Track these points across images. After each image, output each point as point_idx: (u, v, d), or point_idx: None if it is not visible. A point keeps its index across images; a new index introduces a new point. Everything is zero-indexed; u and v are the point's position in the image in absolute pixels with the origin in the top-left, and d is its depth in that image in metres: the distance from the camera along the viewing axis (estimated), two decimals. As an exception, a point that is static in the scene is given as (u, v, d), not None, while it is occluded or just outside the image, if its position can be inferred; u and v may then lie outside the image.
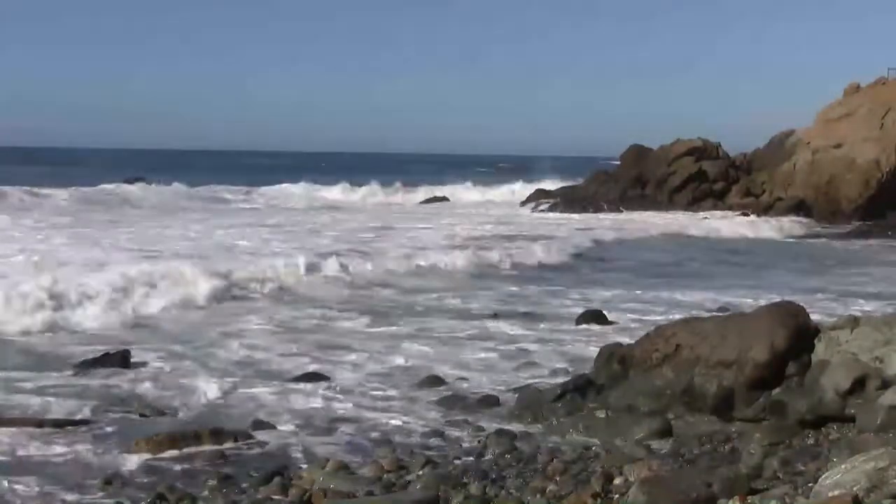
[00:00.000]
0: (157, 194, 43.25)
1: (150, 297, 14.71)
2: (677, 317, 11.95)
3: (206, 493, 7.14)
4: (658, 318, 13.43)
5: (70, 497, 7.01)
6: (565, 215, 36.67)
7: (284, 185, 50.36)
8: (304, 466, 7.75)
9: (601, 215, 36.34)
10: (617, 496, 6.61)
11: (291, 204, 42.85)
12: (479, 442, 8.42)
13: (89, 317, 13.49)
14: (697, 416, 9.02)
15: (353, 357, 11.76)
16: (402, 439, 8.50)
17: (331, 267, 18.43)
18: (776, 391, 8.95)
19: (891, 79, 39.31)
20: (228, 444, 8.24)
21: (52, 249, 20.81)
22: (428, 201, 45.06)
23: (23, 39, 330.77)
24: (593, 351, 10.71)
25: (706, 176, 40.52)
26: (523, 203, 41.39)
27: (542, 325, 14.02)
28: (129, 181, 46.38)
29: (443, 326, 13.85)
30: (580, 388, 9.91)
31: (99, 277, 15.09)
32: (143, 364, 11.06)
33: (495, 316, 14.69)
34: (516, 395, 9.95)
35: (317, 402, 9.63)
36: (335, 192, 48.78)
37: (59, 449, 8.06)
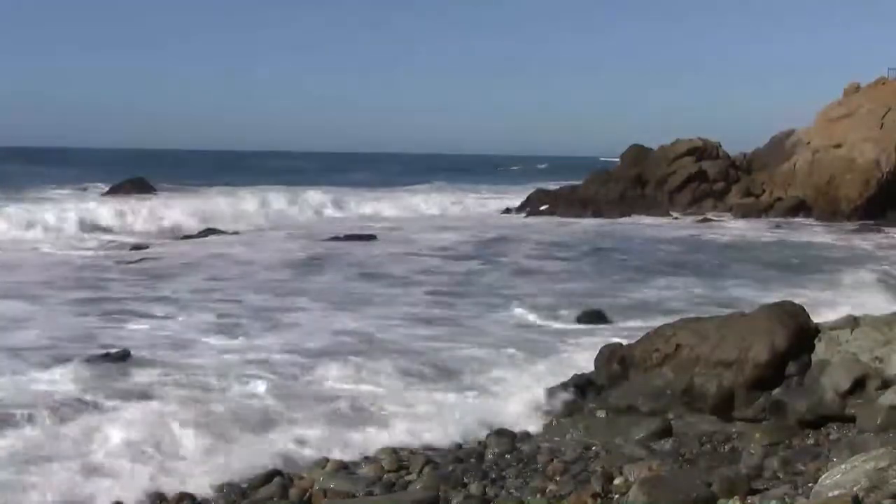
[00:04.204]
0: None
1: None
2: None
3: (206, 492, 7.14)
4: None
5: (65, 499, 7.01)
6: (564, 220, 36.33)
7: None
8: (305, 466, 7.75)
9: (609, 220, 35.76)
10: (617, 496, 6.62)
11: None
12: (479, 442, 8.41)
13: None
14: (697, 416, 9.02)
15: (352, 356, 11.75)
16: (402, 439, 8.48)
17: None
18: (776, 391, 8.96)
19: (891, 79, 39.30)
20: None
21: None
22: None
23: (21, 39, 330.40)
24: (593, 351, 10.69)
25: (706, 176, 40.51)
26: (523, 204, 41.28)
27: (542, 323, 14.02)
28: (132, 181, 46.18)
29: (442, 322, 13.86)
30: (580, 388, 9.93)
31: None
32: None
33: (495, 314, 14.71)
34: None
35: (317, 401, 9.61)
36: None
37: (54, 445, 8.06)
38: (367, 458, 7.93)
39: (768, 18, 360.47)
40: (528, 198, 42.13)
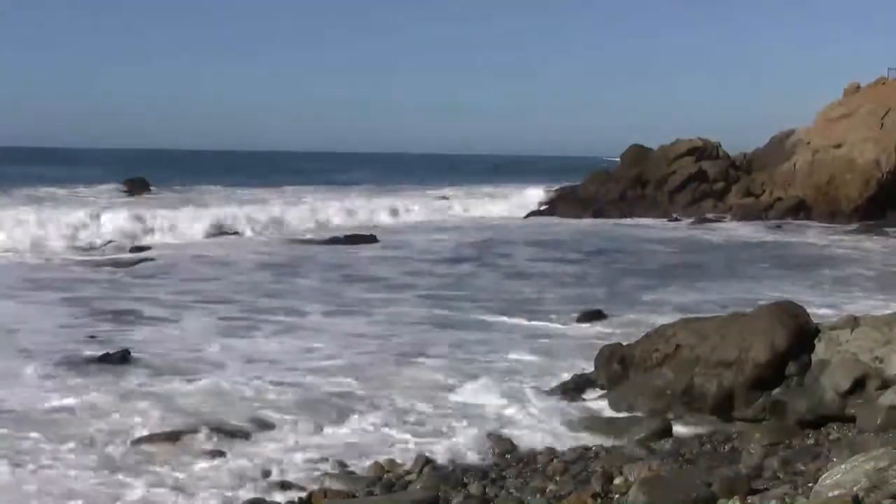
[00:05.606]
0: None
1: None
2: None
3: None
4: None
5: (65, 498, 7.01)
6: (564, 220, 36.20)
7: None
8: (305, 467, 7.76)
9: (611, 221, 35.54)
10: (617, 496, 6.62)
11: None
12: (479, 442, 8.41)
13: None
14: (697, 416, 9.03)
15: (352, 355, 11.77)
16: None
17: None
18: (776, 391, 8.96)
19: (891, 79, 39.28)
20: (228, 443, 8.24)
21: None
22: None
23: (21, 38, 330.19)
24: (593, 351, 10.70)
25: (706, 176, 40.50)
26: (523, 205, 41.21)
27: (541, 324, 14.03)
28: (133, 181, 46.23)
29: (442, 324, 13.86)
30: (580, 388, 9.94)
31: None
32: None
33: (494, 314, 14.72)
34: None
35: (315, 401, 9.62)
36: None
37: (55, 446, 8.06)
38: (367, 459, 7.93)
39: (768, 18, 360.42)
40: (529, 198, 42.09)
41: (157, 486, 7.21)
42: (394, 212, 37.96)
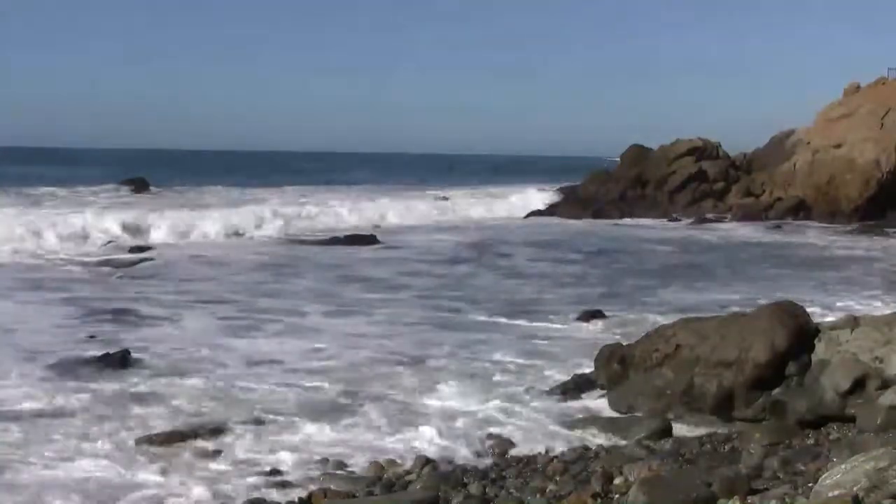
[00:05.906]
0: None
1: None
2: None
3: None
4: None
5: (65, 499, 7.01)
6: (564, 220, 36.15)
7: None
8: (305, 466, 7.76)
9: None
10: (617, 496, 6.61)
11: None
12: (479, 442, 8.41)
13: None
14: (697, 416, 9.03)
15: (352, 355, 11.76)
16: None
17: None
18: (776, 391, 8.96)
19: (891, 79, 39.30)
20: (228, 443, 8.24)
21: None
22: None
23: (21, 38, 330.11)
24: (593, 351, 10.70)
25: (706, 176, 40.52)
26: (523, 205, 41.23)
27: (541, 324, 14.02)
28: (133, 181, 46.24)
29: (442, 325, 13.85)
30: (580, 388, 9.95)
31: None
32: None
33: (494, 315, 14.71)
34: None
35: (314, 401, 9.62)
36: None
37: (55, 446, 8.05)
38: (367, 459, 7.93)
39: (769, 18, 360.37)
40: (529, 198, 42.11)
41: (158, 486, 7.21)
42: (394, 212, 37.96)
